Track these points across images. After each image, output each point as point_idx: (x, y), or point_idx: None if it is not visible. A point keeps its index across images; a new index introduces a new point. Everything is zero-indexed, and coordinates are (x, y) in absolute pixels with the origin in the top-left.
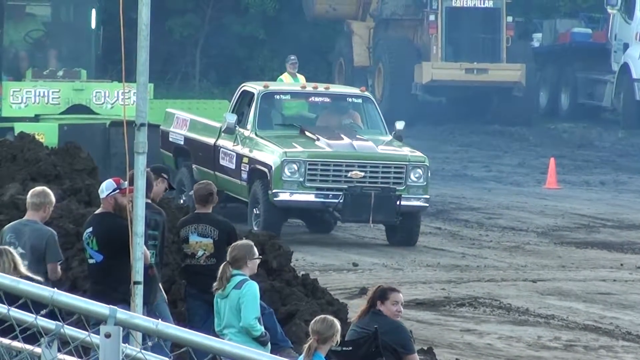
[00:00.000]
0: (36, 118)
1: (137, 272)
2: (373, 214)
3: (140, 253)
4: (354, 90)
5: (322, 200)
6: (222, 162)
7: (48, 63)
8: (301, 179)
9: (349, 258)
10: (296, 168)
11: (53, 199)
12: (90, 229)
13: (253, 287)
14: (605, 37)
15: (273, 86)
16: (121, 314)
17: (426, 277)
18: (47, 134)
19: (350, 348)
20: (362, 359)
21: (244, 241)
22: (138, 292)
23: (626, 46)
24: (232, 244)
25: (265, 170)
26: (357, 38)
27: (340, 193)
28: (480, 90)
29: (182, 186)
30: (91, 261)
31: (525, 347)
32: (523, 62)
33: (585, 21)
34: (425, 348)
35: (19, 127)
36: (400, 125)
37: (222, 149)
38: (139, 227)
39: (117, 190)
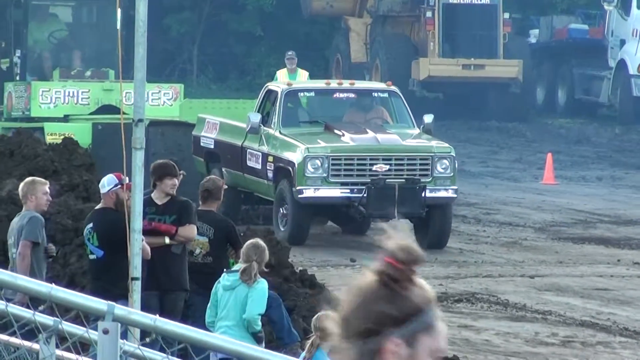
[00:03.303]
0: (65, 118)
1: (135, 268)
2: (398, 206)
3: (138, 249)
4: (380, 85)
5: (347, 195)
6: (249, 163)
7: (72, 63)
8: (325, 175)
9: (347, 254)
10: (319, 164)
11: (39, 185)
12: (91, 225)
13: (264, 285)
14: (602, 33)
15: (297, 84)
16: (119, 310)
17: (423, 273)
18: (78, 134)
19: None
20: None
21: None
22: (136, 288)
23: (623, 42)
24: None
25: (289, 168)
26: (354, 34)
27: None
28: (477, 87)
29: None
30: (92, 257)
31: (522, 343)
32: (520, 58)
33: (582, 17)
34: None
35: (48, 127)
36: (429, 118)
37: (248, 150)
38: (136, 223)
39: (119, 186)
